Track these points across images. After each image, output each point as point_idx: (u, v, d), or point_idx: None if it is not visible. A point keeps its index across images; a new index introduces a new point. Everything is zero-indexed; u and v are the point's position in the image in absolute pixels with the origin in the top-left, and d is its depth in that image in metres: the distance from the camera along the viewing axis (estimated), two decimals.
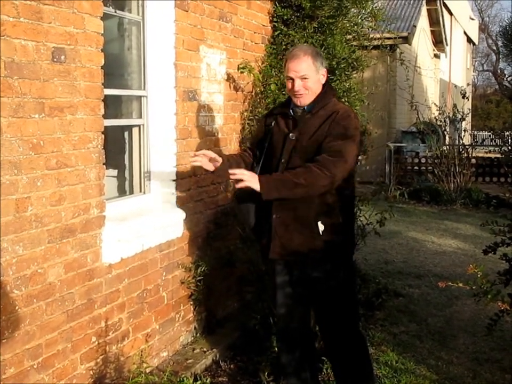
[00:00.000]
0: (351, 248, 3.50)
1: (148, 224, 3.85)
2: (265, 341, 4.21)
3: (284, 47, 5.13)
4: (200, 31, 4.30)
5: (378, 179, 12.42)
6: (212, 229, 4.57)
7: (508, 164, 11.81)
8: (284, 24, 5.17)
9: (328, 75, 3.47)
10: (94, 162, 3.33)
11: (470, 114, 16.85)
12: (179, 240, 4.23)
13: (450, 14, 23.98)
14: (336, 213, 3.28)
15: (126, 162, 4.22)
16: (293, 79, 3.29)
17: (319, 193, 3.20)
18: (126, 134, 4.19)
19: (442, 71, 23.27)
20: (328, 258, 3.29)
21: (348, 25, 5.45)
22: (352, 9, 5.46)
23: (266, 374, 3.90)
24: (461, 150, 12.29)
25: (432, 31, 20.11)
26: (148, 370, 3.74)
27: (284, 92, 4.92)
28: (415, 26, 15.59)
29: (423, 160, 13.77)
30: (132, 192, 4.18)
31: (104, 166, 3.42)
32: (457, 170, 11.99)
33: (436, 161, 12.41)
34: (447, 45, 21.00)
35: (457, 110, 12.64)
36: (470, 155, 12.41)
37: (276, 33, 5.20)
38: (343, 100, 4.89)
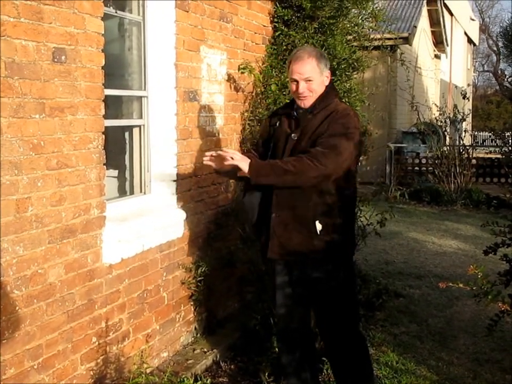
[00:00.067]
0: (351, 249, 3.49)
1: (148, 225, 3.85)
2: (265, 341, 4.21)
3: (285, 47, 5.13)
4: (200, 31, 4.30)
5: (378, 179, 12.40)
6: (212, 230, 4.57)
7: (508, 164, 11.80)
8: (285, 24, 5.17)
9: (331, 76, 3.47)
10: (95, 162, 3.33)
11: (471, 115, 16.83)
12: (179, 241, 4.23)
13: (451, 14, 23.97)
14: (335, 213, 3.27)
15: (127, 162, 4.22)
16: (297, 81, 3.29)
17: (310, 185, 3.17)
18: (127, 134, 4.19)
19: (443, 72, 23.27)
20: (328, 259, 3.29)
21: (348, 25, 5.45)
22: (353, 10, 5.46)
23: (266, 374, 3.90)
24: (461, 150, 12.28)
25: (432, 32, 20.11)
26: (148, 370, 3.74)
27: (284, 93, 4.93)
28: (415, 26, 15.58)
29: (423, 161, 13.77)
30: (132, 192, 4.18)
31: (105, 166, 3.42)
32: (457, 170, 11.98)
33: (436, 161, 12.40)
34: (447, 45, 21.00)
35: (458, 110, 12.64)
36: (470, 156, 12.40)
37: (277, 33, 5.20)
38: (343, 100, 4.89)
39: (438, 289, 5.92)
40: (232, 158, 3.17)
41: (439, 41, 20.53)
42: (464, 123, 13.07)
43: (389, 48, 6.78)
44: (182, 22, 4.08)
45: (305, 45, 4.82)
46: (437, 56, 21.33)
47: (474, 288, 2.83)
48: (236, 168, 3.26)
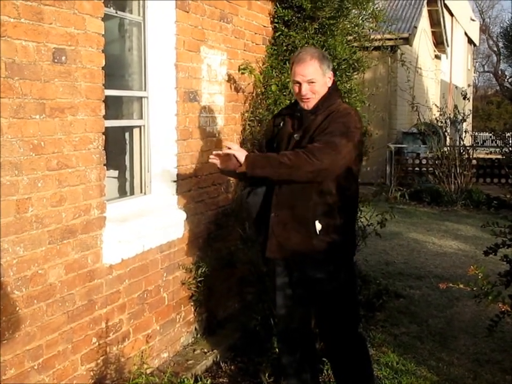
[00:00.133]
0: (352, 250, 3.49)
1: (149, 225, 3.85)
2: (265, 342, 4.21)
3: (285, 48, 5.13)
4: (201, 32, 4.30)
5: (379, 180, 12.38)
6: (212, 230, 4.57)
7: (508, 165, 11.79)
8: (285, 25, 5.17)
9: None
10: (95, 163, 3.33)
11: (471, 115, 16.84)
12: (180, 241, 4.23)
13: (451, 15, 23.98)
14: (336, 214, 3.26)
15: (127, 163, 4.22)
16: (300, 83, 3.28)
17: (306, 180, 3.16)
18: (127, 134, 4.19)
19: (443, 72, 23.27)
20: (328, 259, 3.28)
21: (348, 26, 5.45)
22: (353, 10, 5.46)
23: (267, 375, 3.90)
24: (461, 151, 12.28)
25: (433, 32, 20.12)
26: (148, 371, 3.74)
27: (284, 93, 4.93)
28: (416, 27, 15.58)
29: (423, 161, 13.76)
30: (132, 193, 4.18)
31: (105, 166, 3.42)
32: (458, 171, 11.98)
33: (436, 162, 12.40)
34: (448, 46, 21.00)
35: (458, 111, 12.64)
36: (470, 156, 12.39)
37: (277, 34, 5.20)
38: (345, 101, 4.89)
39: (438, 289, 5.92)
40: (229, 148, 3.22)
41: (439, 42, 20.54)
42: (464, 124, 13.07)
43: (389, 49, 6.81)
44: (182, 22, 4.08)
45: (308, 46, 4.81)
46: (437, 57, 21.33)
47: (474, 288, 2.83)
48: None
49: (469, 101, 13.77)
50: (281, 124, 3.47)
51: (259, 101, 5.05)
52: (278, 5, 5.17)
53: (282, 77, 4.94)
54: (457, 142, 12.59)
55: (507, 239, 3.82)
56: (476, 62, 43.82)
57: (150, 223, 3.87)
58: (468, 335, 4.96)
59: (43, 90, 2.94)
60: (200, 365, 4.13)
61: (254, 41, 5.04)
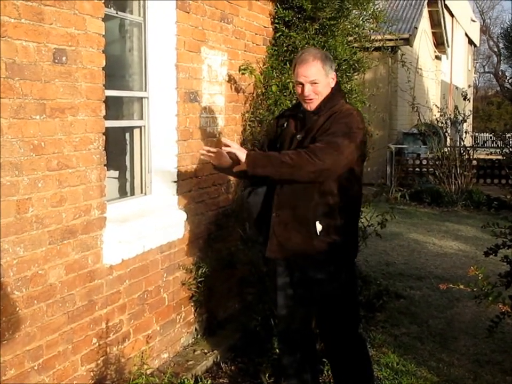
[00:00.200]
0: (353, 251, 3.47)
1: (149, 226, 3.85)
2: (266, 343, 4.21)
3: (285, 48, 5.13)
4: (201, 32, 4.30)
5: (379, 181, 12.35)
6: (212, 230, 4.57)
7: (509, 165, 11.80)
8: (285, 25, 5.17)
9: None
10: (95, 163, 3.33)
11: (471, 116, 16.86)
12: (180, 242, 4.23)
13: (452, 15, 23.99)
14: (337, 214, 3.25)
15: (127, 163, 4.22)
16: (302, 84, 3.28)
17: (307, 180, 3.15)
18: (127, 135, 4.19)
19: (444, 73, 23.27)
20: (329, 260, 3.27)
21: (349, 26, 5.46)
22: (354, 11, 5.47)
23: (267, 375, 3.90)
24: (462, 151, 12.28)
25: (433, 33, 20.12)
26: (148, 371, 3.74)
27: (285, 93, 4.93)
28: (416, 28, 15.58)
29: (424, 162, 13.76)
30: (133, 193, 4.18)
31: (105, 167, 3.42)
32: (458, 172, 11.98)
33: (437, 162, 12.40)
34: (448, 46, 20.99)
35: (459, 111, 12.65)
36: (471, 157, 12.40)
37: (277, 34, 5.20)
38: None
39: (439, 290, 5.92)
40: (228, 146, 3.21)
41: (439, 42, 20.54)
42: (464, 124, 13.07)
43: (389, 49, 6.80)
44: (183, 23, 4.08)
45: (310, 47, 4.80)
46: (437, 57, 21.33)
47: (475, 289, 2.83)
48: (235, 163, 3.29)
49: (469, 101, 13.77)
50: (284, 125, 3.47)
51: (259, 102, 5.05)
52: (279, 6, 5.17)
53: (283, 78, 4.94)
54: (458, 143, 12.59)
55: (507, 239, 3.82)
56: (476, 62, 43.84)
57: (150, 224, 3.86)
58: (468, 336, 4.96)
59: (43, 91, 2.94)
60: (201, 365, 4.13)
61: (255, 42, 5.04)
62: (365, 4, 5.41)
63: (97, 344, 3.45)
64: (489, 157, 13.89)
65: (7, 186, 2.77)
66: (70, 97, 3.11)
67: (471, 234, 9.36)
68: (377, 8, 5.60)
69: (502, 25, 36.67)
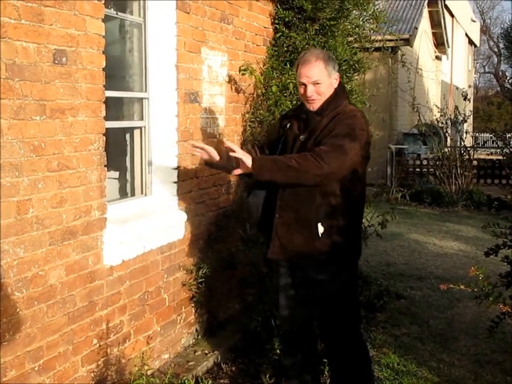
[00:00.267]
0: (356, 251, 3.45)
1: (149, 226, 3.85)
2: (266, 343, 4.20)
3: (285, 49, 5.13)
4: (201, 33, 4.30)
5: (379, 181, 12.37)
6: (213, 231, 4.57)
7: (509, 166, 11.80)
8: (286, 26, 5.17)
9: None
10: (95, 164, 3.33)
11: (472, 116, 16.85)
12: (180, 242, 4.23)
13: (452, 16, 23.98)
14: (339, 215, 3.24)
15: (128, 164, 4.22)
16: (305, 85, 3.28)
17: (313, 183, 3.15)
18: (128, 136, 4.19)
19: (444, 73, 23.27)
20: (330, 261, 3.27)
21: (349, 27, 5.46)
22: (354, 11, 5.47)
23: (267, 376, 3.90)
24: (462, 152, 12.28)
25: (433, 33, 20.11)
26: (149, 372, 3.74)
27: (285, 94, 4.93)
28: (416, 28, 15.57)
29: (424, 162, 13.76)
30: (133, 194, 4.18)
31: (106, 168, 3.42)
32: (458, 172, 11.98)
33: (437, 163, 12.40)
34: (448, 47, 20.99)
35: (459, 112, 12.65)
36: (471, 157, 12.40)
37: (278, 35, 5.20)
38: None
39: (439, 290, 5.92)
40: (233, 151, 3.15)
41: (440, 43, 20.53)
42: (465, 124, 13.08)
43: (389, 50, 6.81)
44: (183, 23, 4.08)
45: (313, 47, 4.80)
46: (437, 58, 21.33)
47: (475, 289, 2.83)
48: (228, 162, 3.30)
49: (470, 101, 13.77)
50: (287, 126, 3.47)
51: (260, 102, 5.05)
52: (279, 6, 5.17)
53: (283, 78, 4.94)
54: (458, 143, 12.60)
55: (508, 240, 3.82)
56: (477, 63, 43.84)
57: (151, 224, 3.86)
58: (469, 336, 4.96)
59: (43, 92, 2.94)
60: (201, 366, 4.13)
61: (255, 42, 5.04)
62: (365, 4, 5.41)
63: (97, 345, 3.45)
64: (490, 157, 13.89)
65: (7, 187, 2.77)
66: (70, 98, 3.11)
67: (471, 235, 9.36)
68: (377, 9, 5.61)
69: (502, 26, 36.75)
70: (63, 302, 3.16)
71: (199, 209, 4.41)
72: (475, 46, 34.30)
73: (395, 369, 4.24)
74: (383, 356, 4.44)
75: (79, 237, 3.24)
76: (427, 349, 4.69)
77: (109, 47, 3.46)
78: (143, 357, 3.80)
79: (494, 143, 12.58)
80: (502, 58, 40.80)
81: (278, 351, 3.95)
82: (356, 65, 5.42)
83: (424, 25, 18.12)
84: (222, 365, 4.24)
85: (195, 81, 4.28)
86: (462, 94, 12.90)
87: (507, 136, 11.55)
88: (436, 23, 19.59)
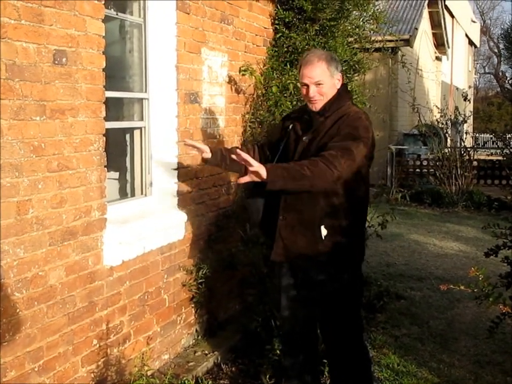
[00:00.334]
0: (359, 252, 3.43)
1: (149, 227, 3.85)
2: (266, 344, 4.20)
3: (286, 49, 5.14)
4: (201, 33, 4.30)
5: (380, 181, 12.36)
6: (213, 232, 4.57)
7: (509, 166, 11.79)
8: (286, 26, 5.18)
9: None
10: (96, 164, 3.33)
11: (472, 116, 16.84)
12: (180, 243, 4.23)
13: (452, 16, 23.98)
14: (342, 217, 3.24)
15: (128, 164, 4.22)
16: (307, 85, 3.28)
17: (322, 188, 3.15)
18: (128, 136, 4.19)
19: (444, 74, 23.26)
20: (332, 261, 3.26)
21: (349, 27, 5.46)
22: (354, 12, 5.47)
23: (267, 376, 3.90)
24: (462, 152, 12.28)
25: (433, 34, 20.11)
26: (149, 373, 3.74)
27: (285, 94, 4.93)
28: (416, 28, 15.57)
29: (424, 163, 13.76)
30: (133, 194, 4.18)
31: (106, 168, 3.42)
32: (459, 172, 11.98)
33: (437, 163, 12.39)
34: (448, 47, 20.99)
35: (459, 112, 12.65)
36: (471, 157, 12.40)
37: (278, 35, 5.20)
38: None
39: (439, 291, 5.92)
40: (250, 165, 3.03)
41: (440, 43, 20.53)
42: (465, 125, 13.08)
43: (390, 50, 6.82)
44: (183, 24, 4.08)
45: (316, 48, 4.80)
46: (438, 58, 21.33)
47: (475, 290, 2.82)
48: (225, 161, 3.36)
49: (470, 102, 13.78)
50: (290, 127, 3.46)
51: (260, 103, 5.05)
52: (279, 7, 5.17)
53: (283, 79, 4.94)
54: (458, 144, 12.59)
55: (508, 240, 3.82)
56: (477, 63, 43.83)
57: (151, 225, 3.86)
58: (469, 337, 4.96)
59: (43, 92, 2.94)
60: (201, 366, 4.13)
61: (255, 43, 5.04)
62: (365, 4, 5.41)
63: (97, 345, 3.45)
64: (490, 157, 13.87)
65: (7, 188, 2.77)
66: (70, 99, 3.11)
67: (471, 235, 9.36)
68: (377, 9, 5.61)
69: (502, 26, 36.78)
70: (63, 303, 3.16)
71: (199, 209, 4.41)
72: (475, 46, 34.30)
73: (395, 370, 4.24)
74: (383, 357, 4.44)
75: (79, 237, 3.24)
76: (427, 349, 4.69)
77: (109, 48, 3.46)
78: (143, 358, 3.80)
79: (494, 143, 12.56)
80: (502, 59, 40.81)
81: (278, 351, 3.95)
82: (356, 65, 5.42)
83: (424, 25, 18.12)
84: (222, 365, 4.24)
85: (195, 82, 4.28)
86: (462, 95, 12.91)
87: (507, 136, 11.54)
88: (436, 24, 19.59)
